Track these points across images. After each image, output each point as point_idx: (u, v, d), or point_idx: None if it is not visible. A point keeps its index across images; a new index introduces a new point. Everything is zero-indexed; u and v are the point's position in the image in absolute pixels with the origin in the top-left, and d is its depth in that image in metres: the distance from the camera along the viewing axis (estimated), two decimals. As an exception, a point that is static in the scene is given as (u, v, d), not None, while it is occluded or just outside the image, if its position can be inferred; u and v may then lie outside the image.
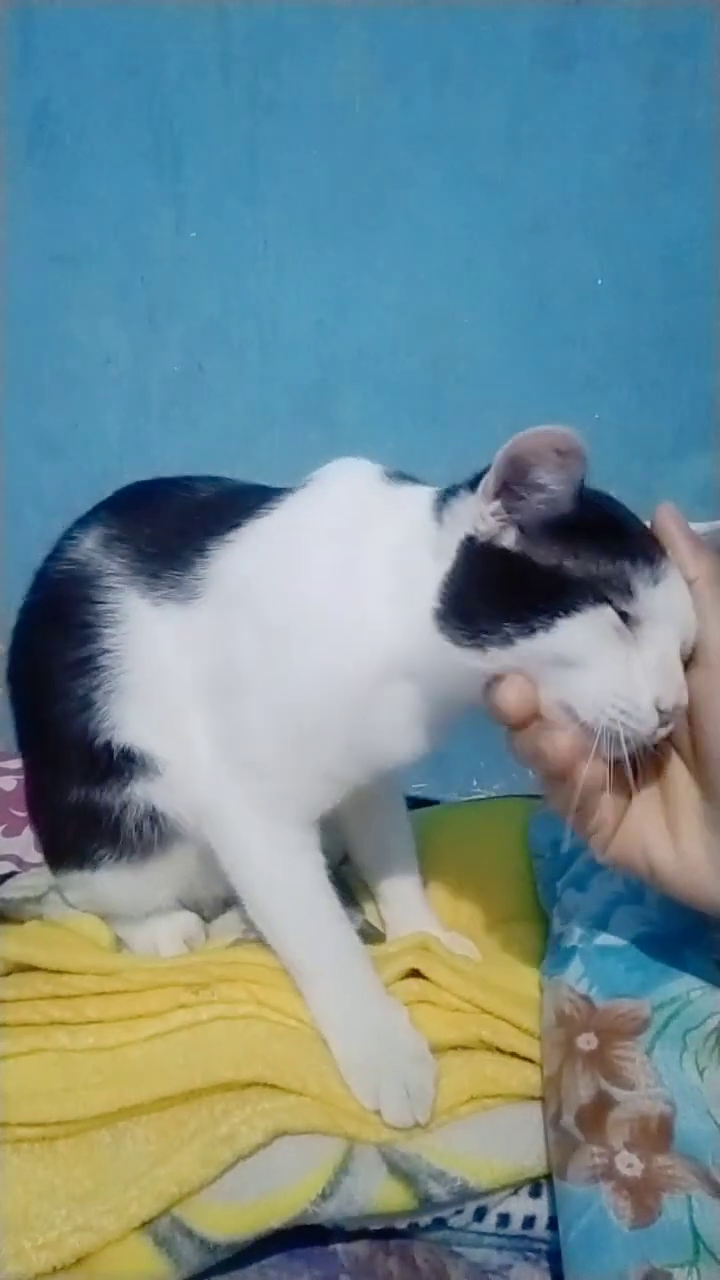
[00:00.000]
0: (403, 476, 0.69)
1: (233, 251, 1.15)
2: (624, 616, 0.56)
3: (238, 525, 0.70)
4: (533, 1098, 0.65)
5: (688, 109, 1.07)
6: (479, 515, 0.58)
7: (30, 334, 1.18)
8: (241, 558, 0.69)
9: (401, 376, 1.18)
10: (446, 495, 0.63)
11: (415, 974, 0.73)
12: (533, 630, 0.56)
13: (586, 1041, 0.62)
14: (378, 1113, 0.63)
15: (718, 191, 1.09)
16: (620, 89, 1.07)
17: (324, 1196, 0.59)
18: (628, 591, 0.56)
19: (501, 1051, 0.67)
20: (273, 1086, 0.63)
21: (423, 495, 0.65)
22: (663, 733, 0.56)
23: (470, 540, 0.59)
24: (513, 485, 0.56)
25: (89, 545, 0.73)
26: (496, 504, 0.57)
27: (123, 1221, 0.57)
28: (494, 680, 0.58)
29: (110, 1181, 0.59)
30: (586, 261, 1.13)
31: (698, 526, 0.61)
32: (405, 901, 0.81)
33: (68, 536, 0.75)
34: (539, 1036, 0.67)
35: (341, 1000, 0.68)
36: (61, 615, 0.73)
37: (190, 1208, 0.58)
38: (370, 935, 0.81)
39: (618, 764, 0.56)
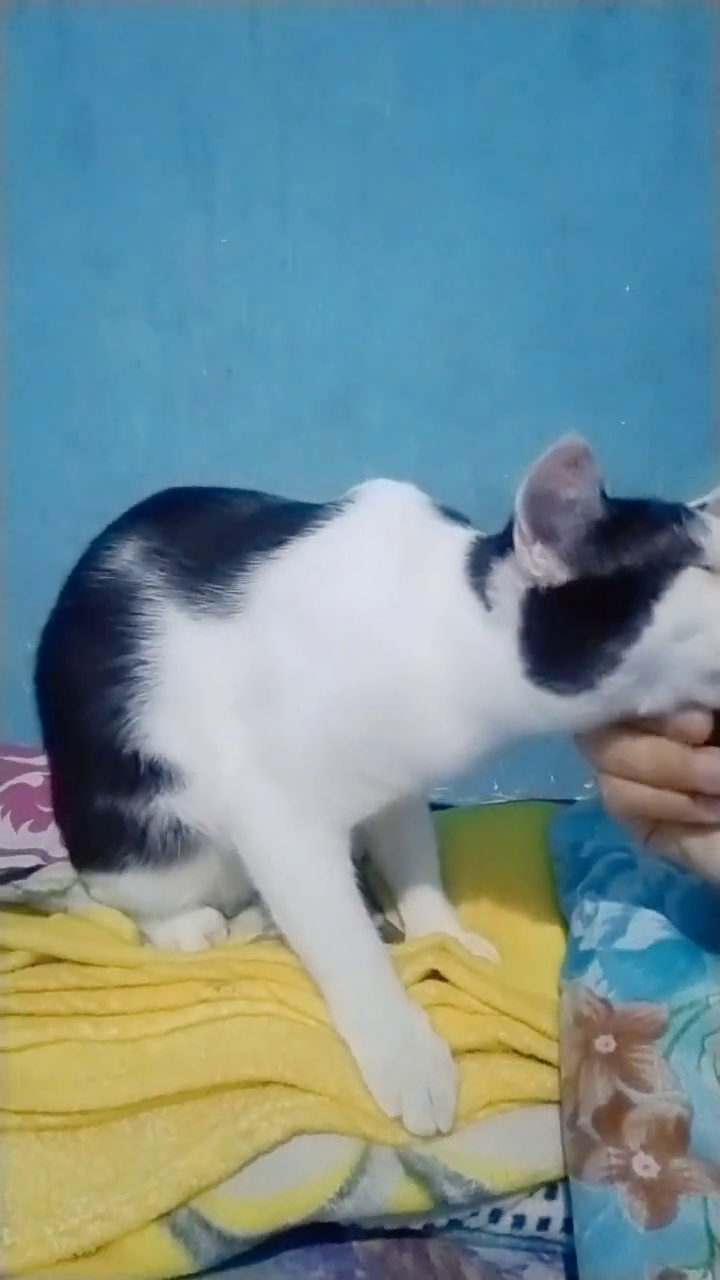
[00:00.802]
0: (446, 511, 0.69)
1: (261, 257, 1.16)
2: (705, 570, 0.56)
3: (283, 542, 0.70)
4: (548, 1101, 0.65)
5: (715, 116, 1.07)
6: (530, 564, 0.57)
7: (61, 336, 1.20)
8: (287, 574, 0.69)
9: (426, 381, 1.18)
10: (480, 564, 0.62)
11: (434, 975, 0.73)
12: (637, 633, 0.55)
13: (604, 1044, 0.62)
14: (399, 1119, 0.63)
15: (744, 198, 1.09)
16: (648, 97, 1.08)
17: (341, 1195, 0.59)
18: (693, 547, 0.56)
19: (519, 1054, 0.68)
20: (292, 1086, 0.64)
21: (465, 541, 0.65)
22: None
23: (533, 592, 0.58)
24: (543, 520, 0.56)
25: (128, 557, 0.73)
26: (538, 545, 0.57)
27: (142, 1211, 0.58)
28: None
29: (130, 1171, 0.60)
30: (613, 267, 1.14)
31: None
32: (425, 902, 0.81)
33: (104, 545, 0.75)
34: (556, 1039, 0.67)
35: (365, 1006, 0.68)
36: (97, 624, 0.73)
37: (209, 1201, 0.59)
38: (390, 935, 0.81)
39: None
